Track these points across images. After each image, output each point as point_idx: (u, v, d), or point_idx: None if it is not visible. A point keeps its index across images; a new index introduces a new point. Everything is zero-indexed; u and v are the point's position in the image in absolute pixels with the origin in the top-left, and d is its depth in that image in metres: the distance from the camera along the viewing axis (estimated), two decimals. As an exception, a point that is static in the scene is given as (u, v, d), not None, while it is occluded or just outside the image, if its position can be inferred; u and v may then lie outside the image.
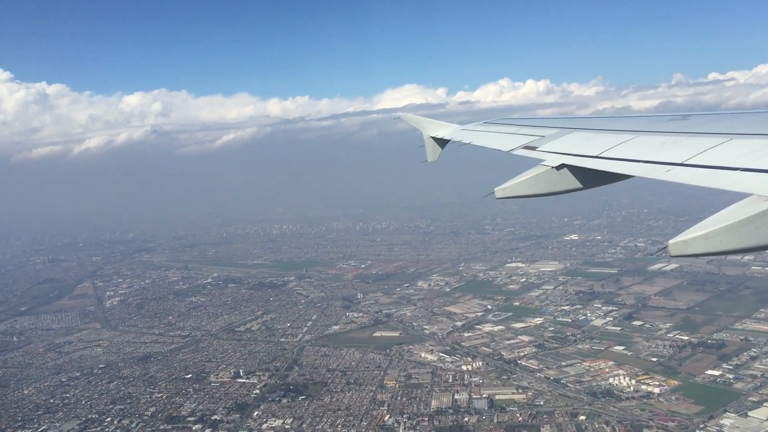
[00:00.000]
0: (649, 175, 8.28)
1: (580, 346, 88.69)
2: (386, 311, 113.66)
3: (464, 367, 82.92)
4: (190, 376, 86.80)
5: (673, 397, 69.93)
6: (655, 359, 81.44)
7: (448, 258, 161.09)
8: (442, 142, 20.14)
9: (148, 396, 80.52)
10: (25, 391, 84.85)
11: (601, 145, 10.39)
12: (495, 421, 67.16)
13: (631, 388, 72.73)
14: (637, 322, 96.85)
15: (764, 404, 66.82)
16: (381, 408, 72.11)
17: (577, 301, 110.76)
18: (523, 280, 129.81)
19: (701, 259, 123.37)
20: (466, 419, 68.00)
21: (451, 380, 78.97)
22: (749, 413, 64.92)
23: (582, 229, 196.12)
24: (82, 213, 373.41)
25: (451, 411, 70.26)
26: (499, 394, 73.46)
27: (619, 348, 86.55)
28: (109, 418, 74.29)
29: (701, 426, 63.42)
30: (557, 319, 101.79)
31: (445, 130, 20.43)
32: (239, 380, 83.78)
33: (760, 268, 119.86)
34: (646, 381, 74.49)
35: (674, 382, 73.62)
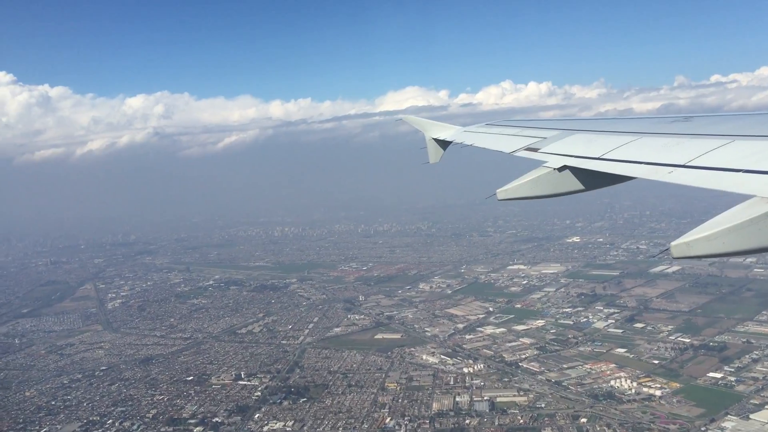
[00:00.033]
0: (651, 177, 8.27)
1: (581, 349, 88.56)
2: (388, 313, 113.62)
3: (465, 370, 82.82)
4: (191, 378, 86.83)
5: (674, 400, 69.78)
6: (656, 362, 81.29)
7: (450, 260, 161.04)
8: (444, 144, 20.16)
9: (149, 398, 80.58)
10: (27, 393, 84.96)
11: (603, 147, 10.41)
12: (496, 423, 67.08)
13: (633, 391, 72.53)
14: (639, 325, 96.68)
15: (766, 407, 66.61)
16: (382, 410, 72.05)
17: (579, 303, 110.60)
18: (524, 282, 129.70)
19: (703, 262, 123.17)
20: (467, 422, 67.91)
21: (452, 383, 78.88)
22: (751, 416, 64.72)
23: (584, 231, 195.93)
24: (85, 215, 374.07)
25: (452, 413, 70.18)
26: (500, 396, 73.38)
27: (621, 350, 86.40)
28: (110, 421, 74.35)
29: (703, 429, 63.32)
30: (559, 321, 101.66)
31: (447, 132, 20.46)
32: (240, 382, 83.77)
33: (762, 270, 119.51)
34: (648, 383, 74.34)
35: (676, 385, 73.50)
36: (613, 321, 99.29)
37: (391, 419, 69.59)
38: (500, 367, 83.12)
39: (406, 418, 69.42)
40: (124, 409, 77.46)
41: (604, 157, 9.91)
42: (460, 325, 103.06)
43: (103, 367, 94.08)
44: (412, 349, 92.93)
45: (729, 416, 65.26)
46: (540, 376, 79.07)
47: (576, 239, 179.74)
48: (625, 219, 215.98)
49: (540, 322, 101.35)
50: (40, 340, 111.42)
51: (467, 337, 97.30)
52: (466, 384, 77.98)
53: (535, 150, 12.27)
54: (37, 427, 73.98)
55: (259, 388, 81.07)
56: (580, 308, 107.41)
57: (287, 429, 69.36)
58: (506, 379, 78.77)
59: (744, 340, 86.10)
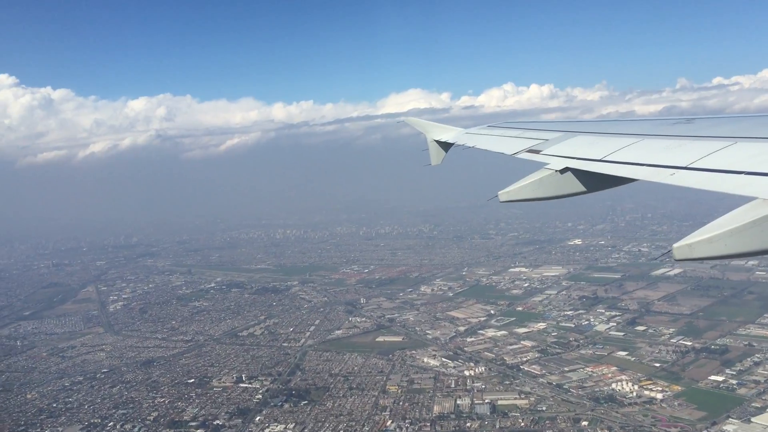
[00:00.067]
0: (653, 179, 8.28)
1: (582, 352, 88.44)
2: (389, 316, 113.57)
3: (467, 373, 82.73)
4: (192, 380, 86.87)
5: (675, 403, 69.69)
6: (658, 365, 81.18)
7: (452, 263, 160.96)
8: (446, 146, 20.26)
9: (150, 401, 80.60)
10: (28, 396, 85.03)
11: (605, 149, 10.42)
12: (497, 426, 67.06)
13: (634, 394, 72.46)
14: (641, 328, 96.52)
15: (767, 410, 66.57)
16: (383, 413, 72.03)
17: (581, 306, 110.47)
18: (526, 285, 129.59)
19: (705, 264, 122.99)
20: (468, 425, 67.86)
21: (453, 385, 78.81)
22: (752, 419, 64.62)
23: (586, 233, 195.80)
24: (87, 217, 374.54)
25: (453, 416, 70.11)
26: (501, 399, 73.31)
27: (622, 353, 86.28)
28: (111, 423, 74.39)
29: (704, 432, 63.22)
30: (560, 324, 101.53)
31: (449, 134, 20.53)
32: (241, 385, 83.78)
33: (764, 273, 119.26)
34: (649, 386, 74.24)
35: (677, 388, 73.36)
36: (615, 324, 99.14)
37: (392, 422, 69.54)
38: (501, 370, 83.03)
39: (407, 421, 69.38)
40: (125, 411, 77.49)
41: (606, 159, 9.93)
42: (462, 328, 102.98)
43: (105, 370, 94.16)
44: (414, 351, 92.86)
45: (730, 419, 65.17)
46: (541, 379, 78.98)
47: (578, 242, 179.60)
48: (627, 221, 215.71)
49: (541, 325, 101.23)
50: (42, 343, 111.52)
51: (468, 339, 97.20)
52: (467, 387, 77.89)
53: (537, 152, 12.29)
54: (39, 430, 74.04)
55: (260, 391, 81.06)
56: (581, 311, 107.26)
57: (288, 432, 69.39)
58: (507, 382, 78.68)
59: (745, 343, 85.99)
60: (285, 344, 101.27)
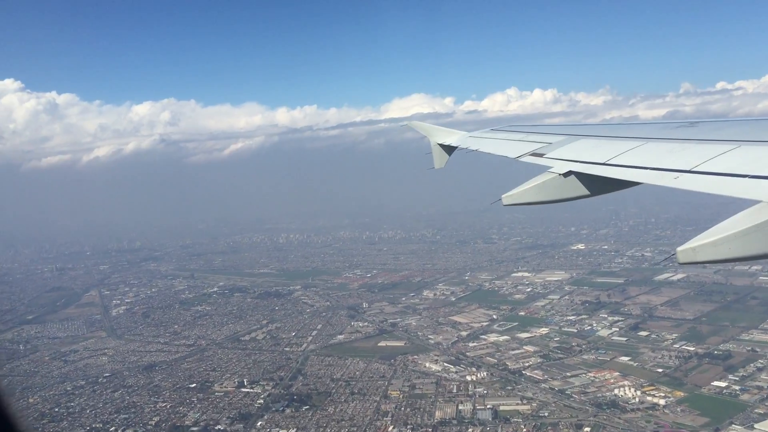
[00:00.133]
0: (657, 182, 8.26)
1: (585, 357, 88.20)
2: (391, 321, 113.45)
3: (469, 378, 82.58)
4: (194, 385, 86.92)
5: (678, 409, 69.44)
6: (660, 370, 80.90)
7: (454, 267, 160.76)
8: (449, 149, 20.30)
9: (152, 405, 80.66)
10: (30, 400, 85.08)
11: (608, 152, 10.39)
12: (499, 432, 66.90)
13: (637, 400, 72.22)
14: (643, 333, 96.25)
15: (771, 416, 66.22)
16: (385, 418, 71.94)
17: (583, 311, 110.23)
18: (528, 289, 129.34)
19: (708, 269, 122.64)
20: (470, 430, 67.77)
21: (455, 391, 78.66)
22: (755, 425, 64.25)
23: (589, 238, 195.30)
24: (91, 221, 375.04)
25: (455, 422, 70.01)
26: (503, 405, 73.12)
27: (625, 359, 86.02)
28: (113, 428, 74.47)
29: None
30: (563, 329, 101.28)
31: (452, 137, 20.55)
32: (243, 390, 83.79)
33: (767, 278, 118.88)
34: (652, 392, 73.96)
35: (680, 394, 73.11)
36: (617, 329, 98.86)
37: (393, 427, 69.46)
38: (503, 375, 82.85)
39: (408, 427, 69.33)
40: (127, 416, 77.54)
41: (609, 162, 9.91)
42: (464, 333, 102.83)
43: (107, 374, 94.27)
44: (416, 356, 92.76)
45: (733, 425, 64.90)
46: (543, 385, 78.78)
47: (581, 246, 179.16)
48: (630, 226, 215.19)
49: (544, 330, 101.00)
50: (45, 347, 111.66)
51: (471, 344, 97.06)
52: (469, 392, 77.74)
53: (540, 155, 12.28)
54: (41, 434, 74.16)
55: (262, 396, 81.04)
56: (584, 316, 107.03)
57: (289, 437, 69.33)
58: (509, 388, 78.51)
59: (749, 348, 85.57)
60: (287, 349, 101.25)
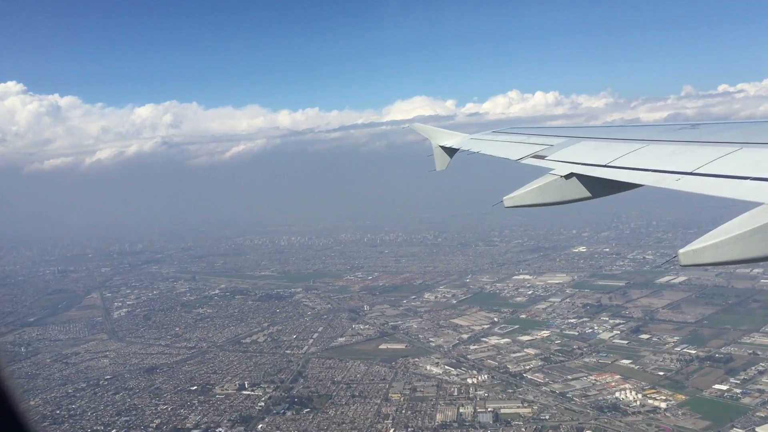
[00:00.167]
0: (658, 184, 8.32)
1: (586, 360, 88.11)
2: (392, 323, 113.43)
3: (469, 380, 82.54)
4: (195, 387, 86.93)
5: (679, 412, 69.31)
6: (662, 373, 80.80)
7: (456, 270, 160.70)
8: (451, 151, 20.34)
9: (153, 408, 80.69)
10: (32, 402, 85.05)
11: (610, 154, 10.43)
12: (499, 435, 66.84)
13: (638, 403, 72.11)
14: (645, 336, 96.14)
15: (772, 420, 66.11)
16: (386, 421, 71.92)
17: (584, 314, 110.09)
18: (530, 292, 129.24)
19: (710, 272, 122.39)
20: (471, 433, 67.65)
21: (456, 393, 78.62)
22: (757, 429, 64.10)
23: (590, 241, 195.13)
24: (93, 224, 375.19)
25: (455, 425, 69.98)
26: (504, 407, 73.08)
27: (626, 362, 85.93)
28: (114, 430, 74.60)
29: (708, 441, 62.85)
30: (564, 332, 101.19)
31: (454, 139, 20.61)
32: (244, 392, 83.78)
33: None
34: (653, 395, 73.87)
35: (681, 397, 72.98)
36: (619, 332, 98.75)
37: (394, 430, 69.45)
38: (504, 378, 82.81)
39: (409, 429, 69.36)
40: (128, 418, 77.58)
41: (611, 164, 9.94)
42: (465, 336, 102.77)
43: (108, 377, 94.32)
44: (417, 359, 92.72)
45: (735, 429, 64.87)
46: (544, 388, 78.69)
47: (582, 249, 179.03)
48: (632, 229, 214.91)
49: (545, 333, 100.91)
50: (46, 349, 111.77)
51: (472, 347, 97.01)
52: (470, 395, 77.69)
53: (542, 157, 12.32)
54: (42, 437, 74.12)
55: (263, 399, 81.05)
56: (585, 319, 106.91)
57: (290, 439, 69.34)
58: (510, 390, 78.48)
59: (750, 351, 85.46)
60: (288, 351, 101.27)
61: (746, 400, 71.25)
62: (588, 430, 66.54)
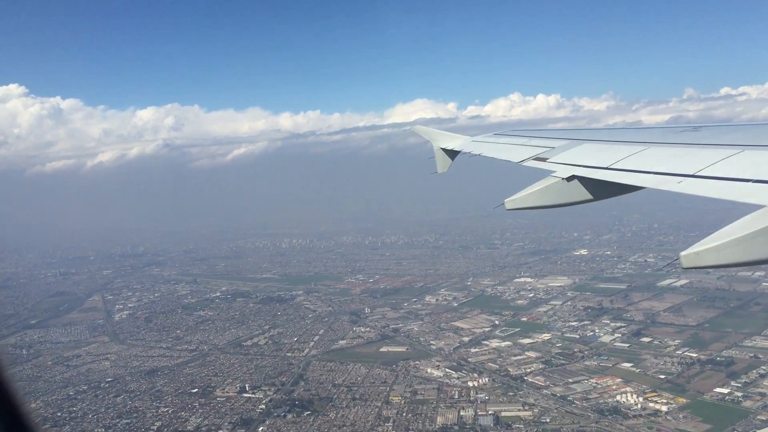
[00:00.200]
0: (660, 187, 8.32)
1: (587, 363, 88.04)
2: (393, 326, 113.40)
3: (470, 383, 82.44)
4: (196, 390, 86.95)
5: (680, 416, 69.26)
6: (663, 376, 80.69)
7: (457, 273, 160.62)
8: (452, 154, 20.36)
9: (154, 410, 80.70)
10: (33, 405, 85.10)
11: (611, 157, 10.44)
12: (500, 438, 66.78)
13: (639, 406, 72.07)
14: (646, 339, 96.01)
15: (773, 423, 66.03)
16: (386, 424, 71.89)
17: (586, 317, 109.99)
18: (531, 295, 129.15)
19: (711, 275, 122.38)
20: (471, 436, 67.59)
21: (456, 396, 78.57)
22: (758, 432, 64.18)
23: (591, 244, 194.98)
24: (94, 226, 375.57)
25: (456, 428, 69.92)
26: (505, 410, 73.00)
27: (627, 365, 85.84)
28: (115, 433, 74.52)
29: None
30: (565, 335, 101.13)
31: (455, 142, 20.64)
32: (245, 395, 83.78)
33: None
34: (654, 398, 73.81)
35: (682, 400, 72.89)
36: (620, 335, 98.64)
37: (394, 433, 69.37)
38: (505, 381, 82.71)
39: (409, 432, 69.22)
40: (129, 421, 77.60)
41: (612, 166, 9.95)
42: (466, 339, 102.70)
43: (109, 379, 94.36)
44: (417, 362, 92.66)
45: (736, 432, 64.71)
46: (545, 391, 78.63)
47: (583, 252, 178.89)
48: (633, 232, 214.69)
49: (546, 336, 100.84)
50: (47, 351, 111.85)
51: (472, 350, 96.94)
52: (471, 398, 77.64)
53: (543, 160, 12.33)
54: (43, 439, 74.20)
55: (264, 401, 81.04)
56: (586, 322, 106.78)
57: (291, 442, 69.29)
58: (511, 393, 78.40)
59: (751, 354, 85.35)
60: (289, 354, 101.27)
61: (747, 404, 71.16)
62: (589, 433, 66.47)
